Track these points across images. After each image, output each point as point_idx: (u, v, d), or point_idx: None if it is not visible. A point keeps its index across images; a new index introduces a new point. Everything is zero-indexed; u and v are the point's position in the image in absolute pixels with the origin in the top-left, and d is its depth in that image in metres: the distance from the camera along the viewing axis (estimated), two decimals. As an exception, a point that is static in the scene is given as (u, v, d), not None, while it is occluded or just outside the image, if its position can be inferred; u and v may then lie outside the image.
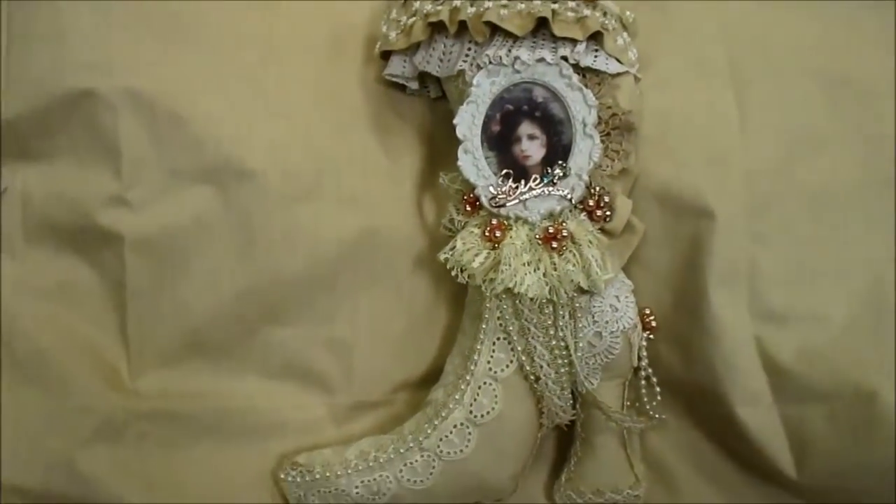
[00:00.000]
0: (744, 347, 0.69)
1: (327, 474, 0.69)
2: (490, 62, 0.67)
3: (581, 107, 0.67)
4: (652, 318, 0.71)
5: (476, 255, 0.67)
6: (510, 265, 0.66)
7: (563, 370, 0.68)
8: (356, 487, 0.69)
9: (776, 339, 0.69)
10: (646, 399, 0.71)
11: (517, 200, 0.67)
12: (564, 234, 0.66)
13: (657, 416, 0.70)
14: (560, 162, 0.68)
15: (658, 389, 0.70)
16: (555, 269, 0.66)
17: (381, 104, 0.74)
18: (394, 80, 0.74)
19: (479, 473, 0.67)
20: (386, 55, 0.73)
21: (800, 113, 0.72)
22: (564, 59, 0.66)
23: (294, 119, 0.71)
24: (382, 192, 0.72)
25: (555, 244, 0.66)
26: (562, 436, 0.75)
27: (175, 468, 0.69)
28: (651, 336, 0.71)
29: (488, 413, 0.67)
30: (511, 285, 0.66)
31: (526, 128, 0.68)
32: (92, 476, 0.67)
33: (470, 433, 0.67)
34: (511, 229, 0.68)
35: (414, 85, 0.74)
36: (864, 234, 0.71)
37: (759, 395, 0.69)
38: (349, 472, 0.69)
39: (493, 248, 0.68)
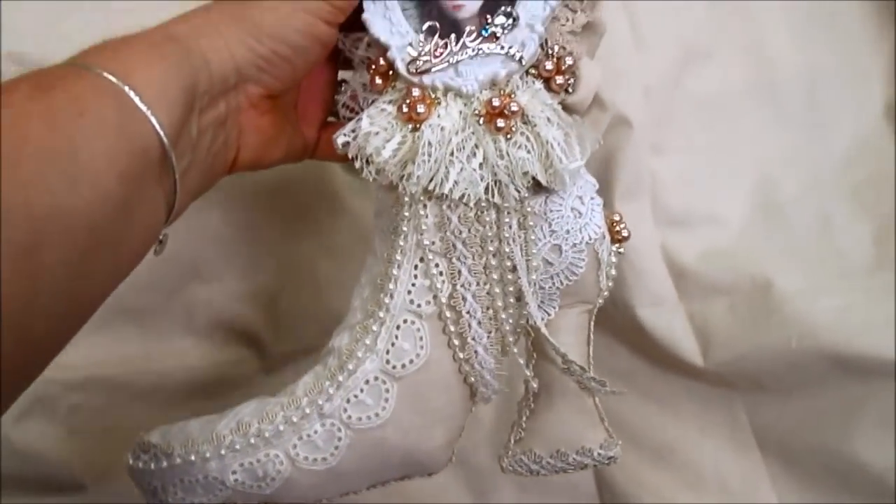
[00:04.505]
0: (650, 254, 0.74)
1: (191, 457, 0.48)
2: None
3: (535, -70, 0.48)
4: (623, 225, 0.54)
5: (388, 139, 0.48)
6: (429, 155, 0.47)
7: (499, 304, 0.50)
8: (234, 473, 0.49)
9: (679, 244, 0.75)
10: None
11: (446, 64, 0.48)
12: (514, 108, 0.47)
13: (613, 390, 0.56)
14: (504, 8, 0.49)
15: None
16: (501, 158, 0.47)
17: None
18: None
19: (401, 441, 0.49)
20: None
21: (685, 26, 0.76)
22: None
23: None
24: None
25: (501, 123, 0.47)
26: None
27: (111, 435, 0.67)
28: (621, 250, 0.54)
29: (411, 362, 0.49)
30: (431, 184, 0.47)
31: (457, -36, 0.48)
32: (28, 450, 0.66)
33: (387, 390, 0.48)
34: (439, 105, 0.48)
35: None
36: (752, 136, 0.78)
37: (664, 296, 0.74)
38: (222, 452, 0.49)
39: (414, 130, 0.48)
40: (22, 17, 0.61)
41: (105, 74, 0.37)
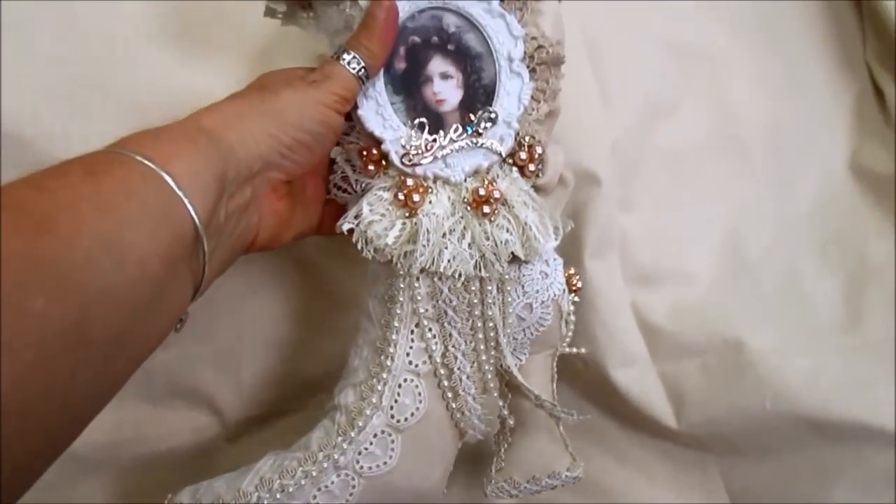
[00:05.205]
0: (621, 313, 0.72)
1: (224, 515, 0.54)
2: (391, -17, 0.51)
3: (505, 38, 0.56)
4: (577, 277, 0.63)
5: (388, 227, 0.54)
6: (428, 241, 0.54)
7: (483, 358, 0.58)
8: (262, 526, 0.54)
9: (649, 301, 0.75)
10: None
11: (434, 157, 0.55)
12: (497, 195, 0.55)
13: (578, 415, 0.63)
14: (485, 107, 0.56)
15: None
16: (487, 239, 0.55)
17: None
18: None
19: (406, 483, 0.56)
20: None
21: (650, 80, 0.76)
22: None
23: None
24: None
25: (487, 209, 0.55)
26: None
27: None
28: (577, 299, 0.63)
29: (412, 415, 0.56)
30: (429, 264, 0.54)
31: (437, 65, 0.55)
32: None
33: (393, 441, 0.55)
34: (430, 192, 0.55)
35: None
36: (719, 190, 0.78)
37: (636, 356, 0.73)
38: (251, 508, 0.54)
39: (410, 216, 0.54)
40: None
41: (146, 162, 0.39)
